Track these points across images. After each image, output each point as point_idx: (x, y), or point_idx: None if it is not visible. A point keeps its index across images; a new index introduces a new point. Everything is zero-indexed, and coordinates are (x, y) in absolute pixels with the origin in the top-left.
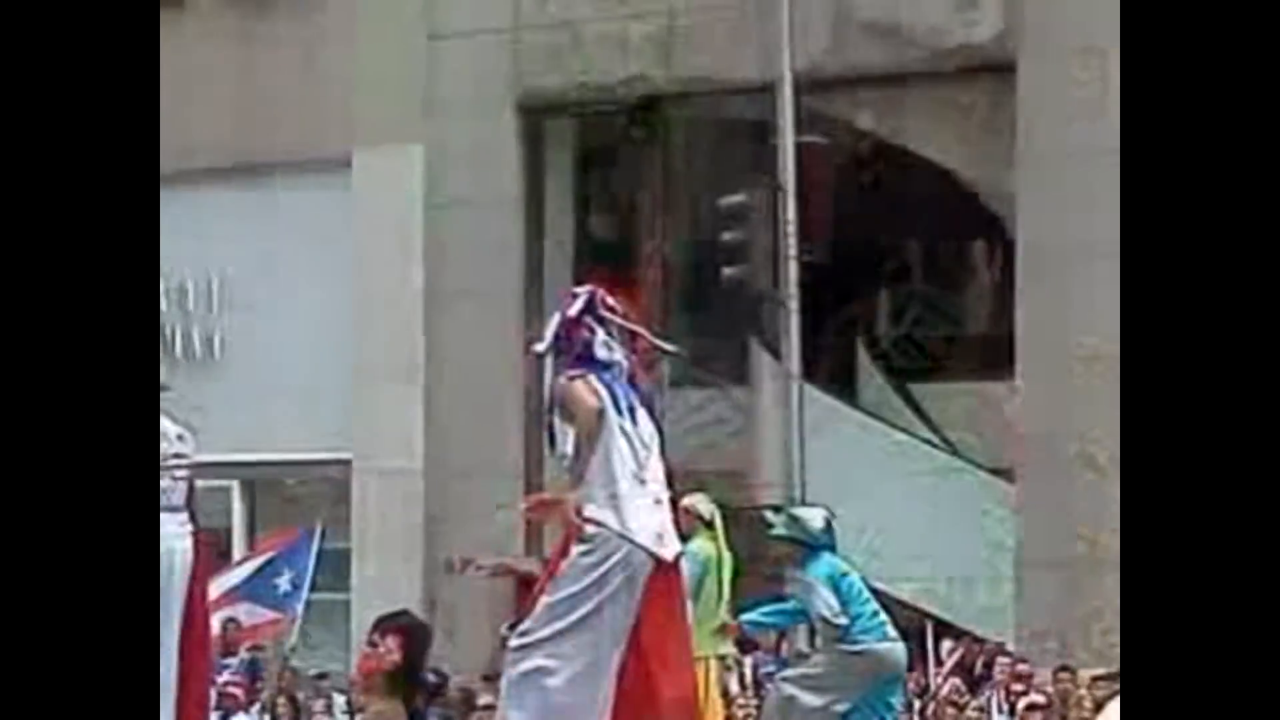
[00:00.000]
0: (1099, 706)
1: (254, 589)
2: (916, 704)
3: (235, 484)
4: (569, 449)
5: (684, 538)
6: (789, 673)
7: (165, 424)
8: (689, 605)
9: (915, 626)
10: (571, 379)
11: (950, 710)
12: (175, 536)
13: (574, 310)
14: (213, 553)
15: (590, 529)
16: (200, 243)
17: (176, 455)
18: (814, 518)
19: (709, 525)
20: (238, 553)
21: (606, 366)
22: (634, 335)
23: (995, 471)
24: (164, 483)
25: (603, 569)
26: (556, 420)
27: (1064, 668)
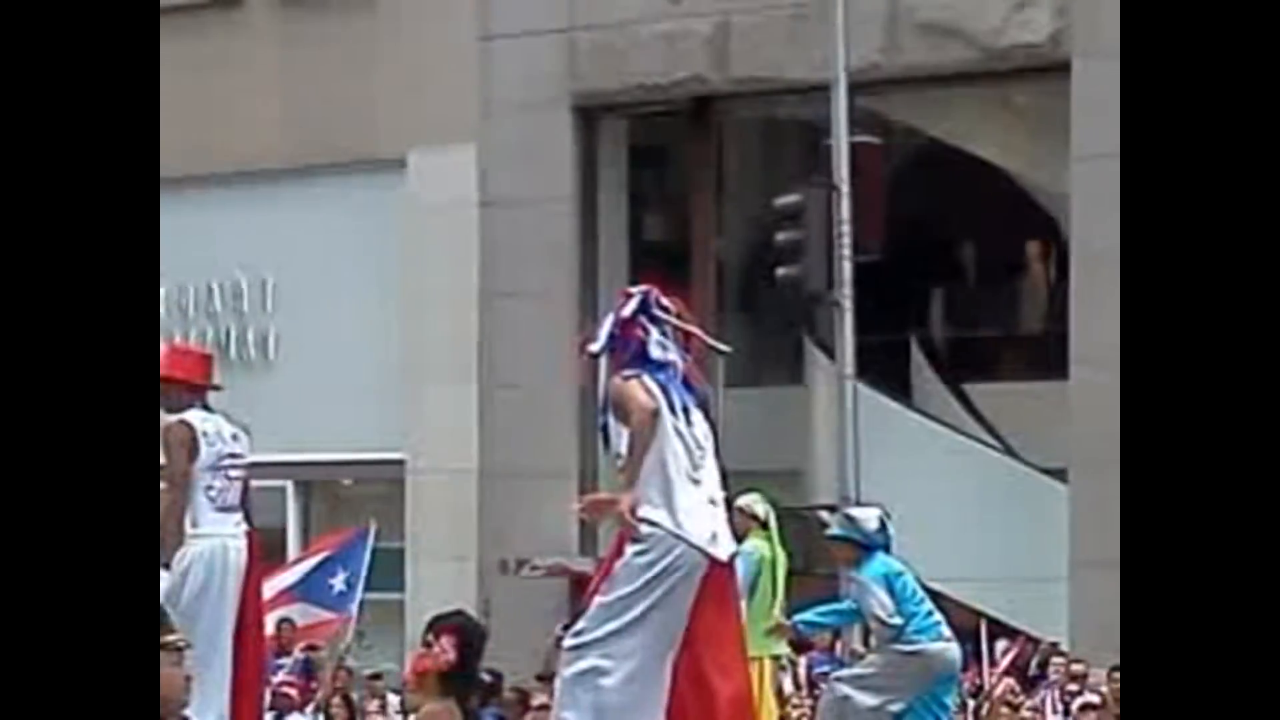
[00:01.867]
0: None
1: (309, 589)
2: (971, 704)
3: (290, 484)
4: (623, 449)
5: (738, 538)
6: (843, 673)
7: (220, 424)
8: (743, 605)
9: (970, 626)
10: (626, 379)
11: (1005, 710)
12: (230, 536)
13: (628, 310)
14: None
15: (644, 529)
16: (255, 243)
17: (231, 455)
18: (869, 518)
19: (763, 525)
20: (292, 553)
21: (661, 366)
22: (688, 335)
23: (1049, 471)
24: (218, 483)
25: (657, 569)
26: (611, 420)
27: (1118, 667)
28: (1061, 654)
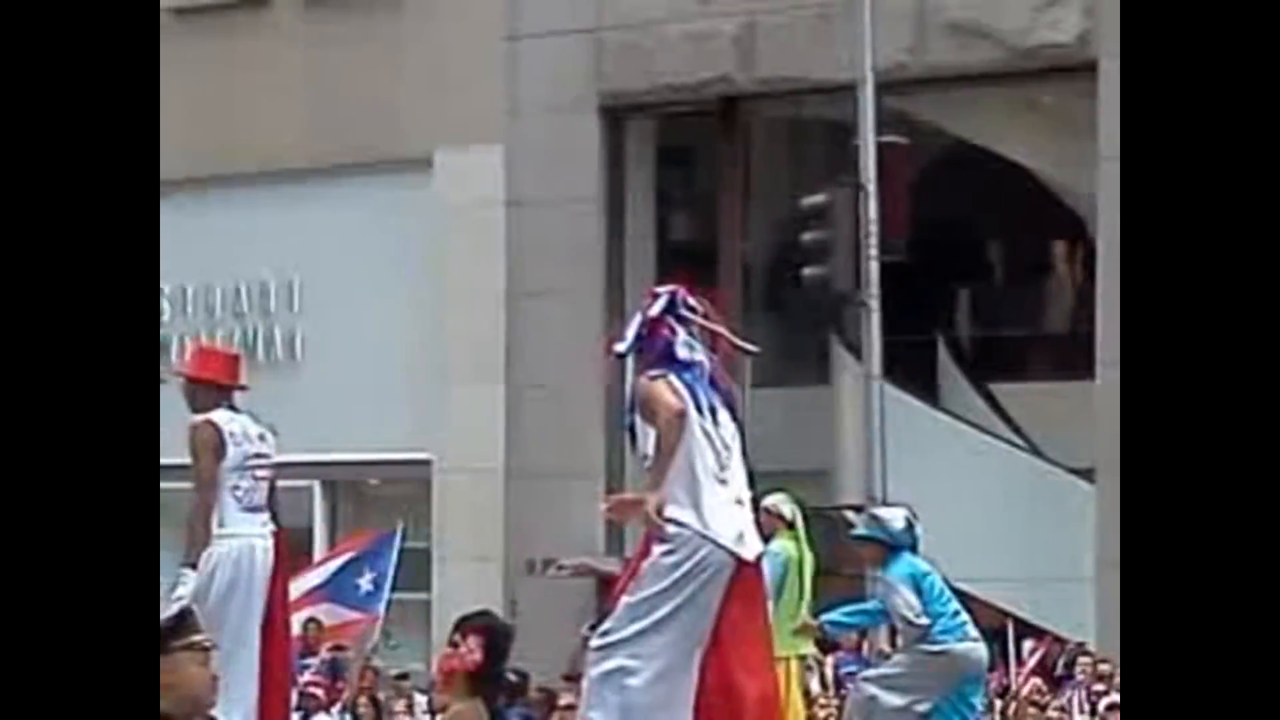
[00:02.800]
0: None
1: (335, 589)
2: (998, 704)
3: (316, 484)
4: (650, 449)
5: (765, 538)
6: (870, 673)
7: (247, 424)
8: (770, 605)
9: (996, 626)
10: (653, 379)
11: (1032, 710)
12: (257, 536)
13: (655, 310)
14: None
15: (671, 529)
16: (281, 243)
17: (258, 455)
18: (895, 518)
19: (790, 525)
20: (319, 553)
21: (687, 366)
22: (715, 335)
23: (1075, 471)
24: (245, 483)
25: (684, 569)
26: (637, 420)
27: None
28: (1088, 654)
